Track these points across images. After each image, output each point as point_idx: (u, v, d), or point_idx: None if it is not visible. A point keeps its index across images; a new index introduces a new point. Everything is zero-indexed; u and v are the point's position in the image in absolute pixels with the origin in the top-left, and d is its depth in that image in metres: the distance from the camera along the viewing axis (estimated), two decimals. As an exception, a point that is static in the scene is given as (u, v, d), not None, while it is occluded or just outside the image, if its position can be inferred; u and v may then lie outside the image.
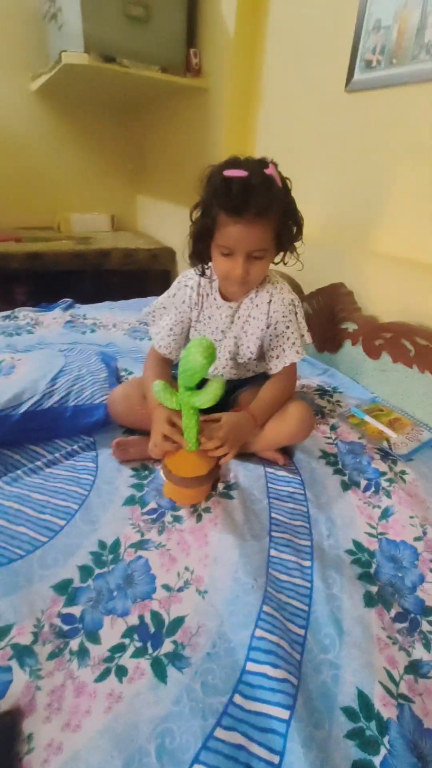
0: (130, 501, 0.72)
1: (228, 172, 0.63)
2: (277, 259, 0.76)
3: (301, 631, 0.54)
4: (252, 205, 0.63)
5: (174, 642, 0.52)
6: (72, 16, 1.43)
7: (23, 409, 0.81)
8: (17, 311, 1.43)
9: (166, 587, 0.59)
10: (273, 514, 0.72)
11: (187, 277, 0.84)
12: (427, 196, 1.02)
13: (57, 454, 0.80)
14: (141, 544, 0.64)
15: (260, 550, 0.65)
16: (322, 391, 1.11)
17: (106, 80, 1.59)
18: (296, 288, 1.23)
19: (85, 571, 0.60)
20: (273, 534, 0.68)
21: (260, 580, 0.59)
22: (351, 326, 1.14)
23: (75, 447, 0.82)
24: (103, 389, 0.91)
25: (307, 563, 0.64)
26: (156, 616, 0.55)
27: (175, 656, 0.50)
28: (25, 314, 1.41)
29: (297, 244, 0.74)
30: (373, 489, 0.79)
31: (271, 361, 0.83)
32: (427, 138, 1.00)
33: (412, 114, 1.02)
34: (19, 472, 0.75)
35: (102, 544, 0.64)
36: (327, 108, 1.24)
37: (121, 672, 0.49)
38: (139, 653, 0.51)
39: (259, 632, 0.52)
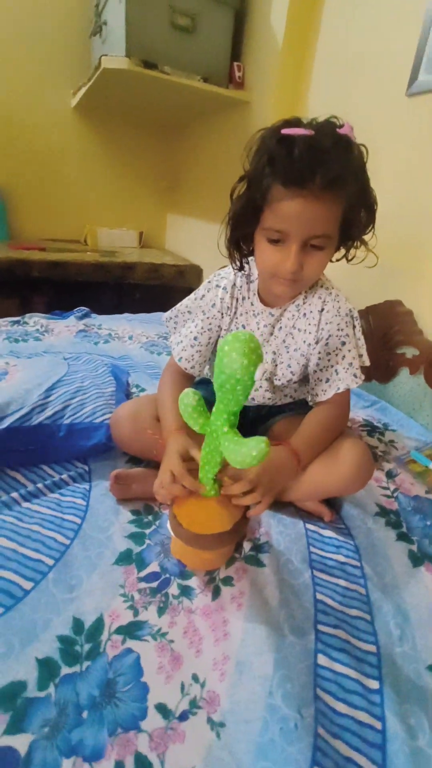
0: (125, 558, 0.53)
1: (288, 130, 0.48)
2: (338, 255, 0.60)
3: None
4: (320, 172, 0.46)
5: None
6: (116, 24, 1.40)
7: (5, 424, 0.65)
8: (27, 317, 1.31)
9: (163, 710, 0.39)
10: (318, 595, 0.52)
11: (219, 276, 0.69)
12: None
13: (40, 485, 0.63)
14: (132, 629, 0.45)
15: (304, 654, 0.44)
16: (371, 428, 0.91)
17: (146, 89, 1.54)
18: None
19: (47, 670, 0.40)
20: (320, 628, 0.48)
21: (307, 712, 0.39)
22: (410, 351, 0.95)
23: (64, 476, 0.65)
24: (108, 406, 0.75)
25: (374, 684, 0.43)
26: (143, 766, 0.35)
27: None
28: (35, 320, 1.29)
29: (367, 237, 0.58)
30: (454, 568, 0.58)
31: (318, 385, 0.65)
32: None
33: None
34: (-14, 505, 0.58)
35: (78, 625, 0.45)
36: (384, 114, 1.11)
37: None
38: None
39: None
